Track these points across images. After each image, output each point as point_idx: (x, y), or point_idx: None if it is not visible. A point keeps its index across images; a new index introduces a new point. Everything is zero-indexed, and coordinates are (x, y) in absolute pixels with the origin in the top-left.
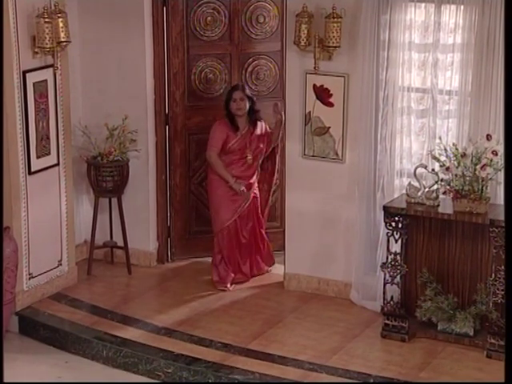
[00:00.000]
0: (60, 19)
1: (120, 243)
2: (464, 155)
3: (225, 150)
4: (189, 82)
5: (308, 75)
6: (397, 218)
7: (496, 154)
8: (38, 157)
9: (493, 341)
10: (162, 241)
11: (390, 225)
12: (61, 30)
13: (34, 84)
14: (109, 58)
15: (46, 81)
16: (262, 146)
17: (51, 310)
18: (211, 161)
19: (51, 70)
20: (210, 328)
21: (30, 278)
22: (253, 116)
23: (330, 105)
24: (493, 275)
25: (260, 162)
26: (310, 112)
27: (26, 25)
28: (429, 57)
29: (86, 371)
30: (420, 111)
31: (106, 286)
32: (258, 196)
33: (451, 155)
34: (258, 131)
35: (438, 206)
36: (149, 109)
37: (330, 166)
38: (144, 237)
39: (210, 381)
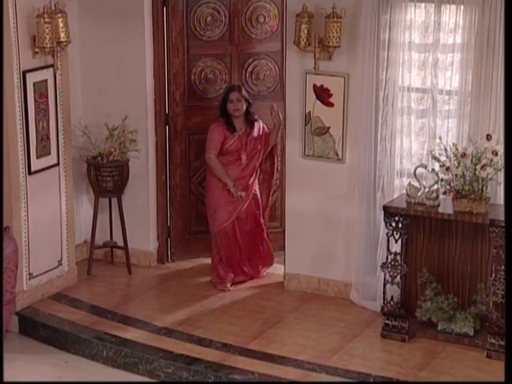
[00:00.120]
0: (60, 19)
1: (120, 243)
2: (464, 155)
3: (222, 150)
4: (189, 81)
5: (308, 75)
6: (397, 218)
7: (496, 154)
8: (38, 157)
9: (493, 341)
10: (162, 241)
11: (390, 225)
12: (61, 30)
13: (34, 84)
14: (109, 58)
15: (46, 81)
16: (259, 146)
17: (51, 310)
18: (211, 163)
19: (51, 69)
20: (210, 328)
21: (30, 278)
22: (249, 117)
23: (330, 105)
24: (493, 275)
25: (259, 162)
26: (310, 112)
27: (26, 25)
28: (429, 57)
29: (86, 371)
30: (420, 111)
31: (106, 286)
32: (259, 197)
33: (451, 155)
34: (256, 132)
35: (438, 205)
36: (149, 109)
37: (330, 165)
38: (144, 237)
39: (209, 381)
